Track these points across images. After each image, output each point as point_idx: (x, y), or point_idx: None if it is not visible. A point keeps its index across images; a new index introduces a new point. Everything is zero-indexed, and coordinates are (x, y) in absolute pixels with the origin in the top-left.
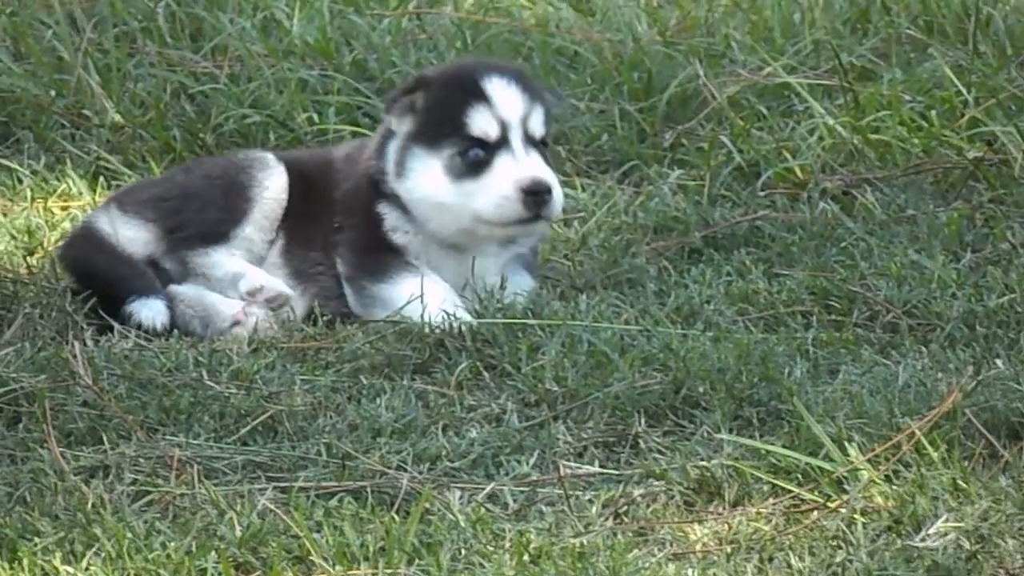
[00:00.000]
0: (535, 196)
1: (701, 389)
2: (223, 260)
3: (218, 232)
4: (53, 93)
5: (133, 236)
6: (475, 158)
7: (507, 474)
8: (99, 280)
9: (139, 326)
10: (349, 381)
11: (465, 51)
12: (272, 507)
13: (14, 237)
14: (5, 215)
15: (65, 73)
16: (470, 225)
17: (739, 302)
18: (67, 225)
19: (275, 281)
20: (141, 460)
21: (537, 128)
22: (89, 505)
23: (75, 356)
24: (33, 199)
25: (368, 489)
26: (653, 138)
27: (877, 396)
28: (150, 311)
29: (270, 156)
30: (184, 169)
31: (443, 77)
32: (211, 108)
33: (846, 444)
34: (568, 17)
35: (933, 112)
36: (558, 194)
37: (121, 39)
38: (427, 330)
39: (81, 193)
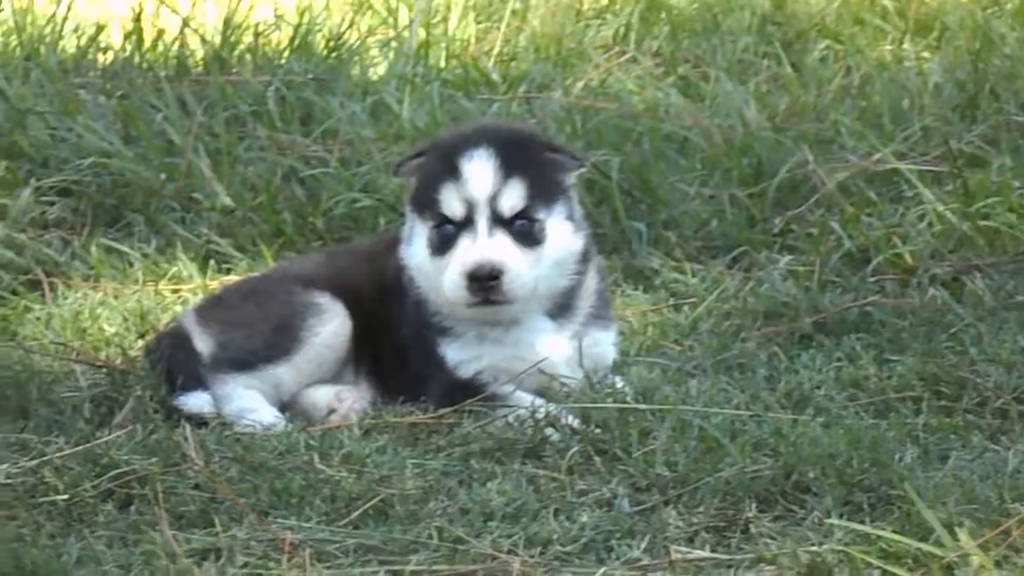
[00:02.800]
0: (478, 282)
1: (812, 474)
2: (239, 393)
3: (247, 361)
4: (164, 176)
5: (203, 346)
6: (447, 235)
7: (618, 558)
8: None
9: (188, 417)
10: (460, 465)
11: (575, 136)
12: None
13: (125, 319)
14: (116, 298)
15: (175, 156)
16: (442, 300)
17: (849, 388)
18: (178, 308)
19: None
20: (253, 543)
21: (510, 205)
22: None
23: (186, 439)
24: (144, 282)
25: (480, 573)
26: (763, 223)
27: (987, 481)
28: (197, 400)
29: (327, 302)
30: (259, 297)
31: (436, 146)
32: (321, 192)
33: (956, 529)
34: (677, 103)
35: None
36: (515, 276)
37: (231, 123)
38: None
39: (192, 276)
